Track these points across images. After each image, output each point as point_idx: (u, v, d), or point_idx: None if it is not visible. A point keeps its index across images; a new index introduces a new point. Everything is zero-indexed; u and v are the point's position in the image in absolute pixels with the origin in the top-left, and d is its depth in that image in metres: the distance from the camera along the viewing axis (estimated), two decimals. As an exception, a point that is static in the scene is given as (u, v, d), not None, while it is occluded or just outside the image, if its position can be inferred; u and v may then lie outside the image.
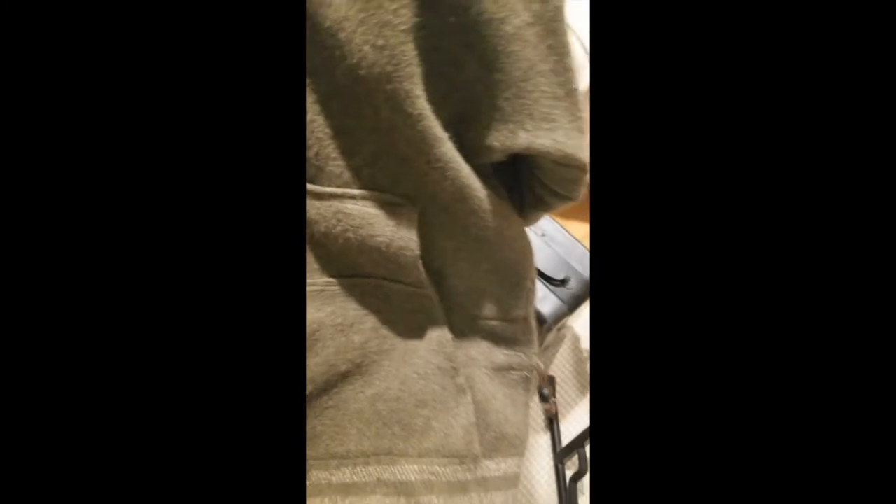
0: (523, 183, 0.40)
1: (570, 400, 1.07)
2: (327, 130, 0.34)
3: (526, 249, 0.43)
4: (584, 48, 0.77)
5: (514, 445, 0.43)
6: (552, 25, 0.31)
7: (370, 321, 0.39)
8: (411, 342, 0.40)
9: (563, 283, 0.68)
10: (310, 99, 0.33)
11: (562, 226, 0.73)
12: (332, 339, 0.38)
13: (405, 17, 0.30)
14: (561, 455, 1.03)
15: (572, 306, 0.68)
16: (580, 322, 1.13)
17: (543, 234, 0.67)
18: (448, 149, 0.34)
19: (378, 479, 0.38)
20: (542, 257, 0.70)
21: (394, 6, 0.30)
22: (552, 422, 1.07)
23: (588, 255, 0.74)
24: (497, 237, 0.39)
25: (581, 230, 0.76)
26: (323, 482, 0.38)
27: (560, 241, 0.70)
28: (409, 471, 0.38)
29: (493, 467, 0.42)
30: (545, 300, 0.66)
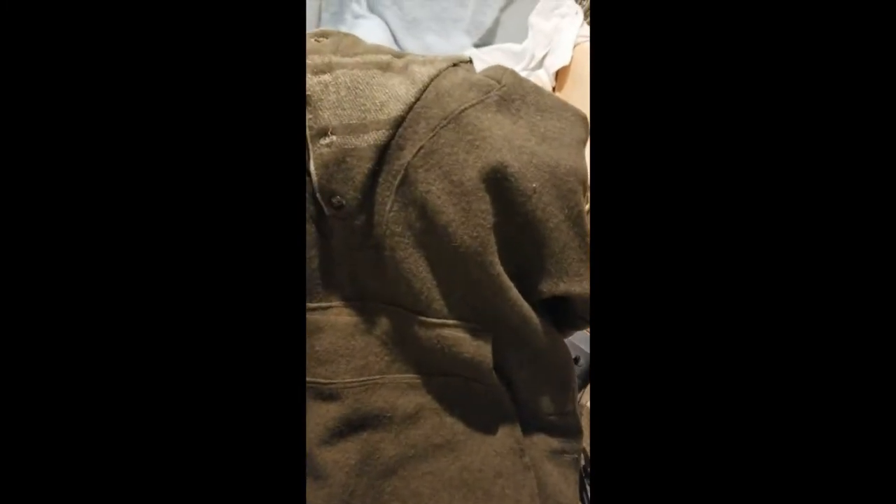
0: (564, 313, 0.57)
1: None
2: (433, 281, 0.51)
3: (568, 358, 0.59)
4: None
5: None
6: (577, 220, 0.50)
7: (459, 408, 0.54)
8: (490, 426, 0.55)
9: (575, 361, 0.85)
10: (422, 263, 0.50)
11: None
12: (430, 419, 0.53)
13: (488, 220, 0.48)
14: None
15: (585, 380, 0.85)
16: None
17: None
18: (515, 293, 0.51)
19: None
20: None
21: (482, 214, 0.47)
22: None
23: (589, 337, 0.92)
24: (548, 350, 0.56)
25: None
26: None
27: (567, 329, 0.90)
28: None
29: None
30: (560, 378, 0.83)
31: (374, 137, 0.47)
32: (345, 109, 0.47)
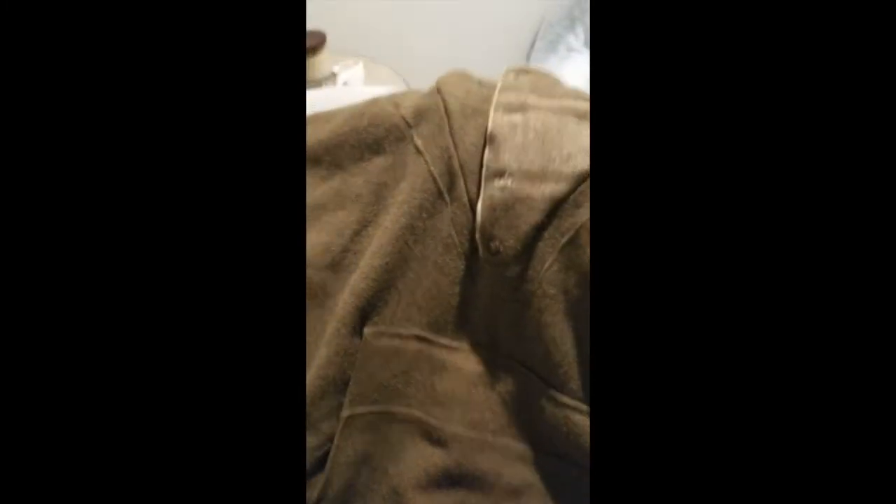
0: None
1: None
2: (577, 358, 0.45)
3: None
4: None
5: None
6: None
7: (570, 499, 0.48)
8: None
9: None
10: (568, 334, 0.45)
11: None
12: (535, 500, 0.48)
13: None
14: None
15: None
16: None
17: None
18: None
19: None
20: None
21: None
22: None
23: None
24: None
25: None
26: None
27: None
28: None
29: None
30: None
31: (551, 189, 0.44)
32: (528, 154, 0.44)
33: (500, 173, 0.45)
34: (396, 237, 0.49)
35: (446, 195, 0.48)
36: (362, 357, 0.50)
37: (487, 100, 0.48)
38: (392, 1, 1.20)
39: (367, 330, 0.50)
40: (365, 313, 0.50)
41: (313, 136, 0.54)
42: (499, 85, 0.48)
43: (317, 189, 0.53)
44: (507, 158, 0.45)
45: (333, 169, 0.53)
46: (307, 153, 0.53)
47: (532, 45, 1.20)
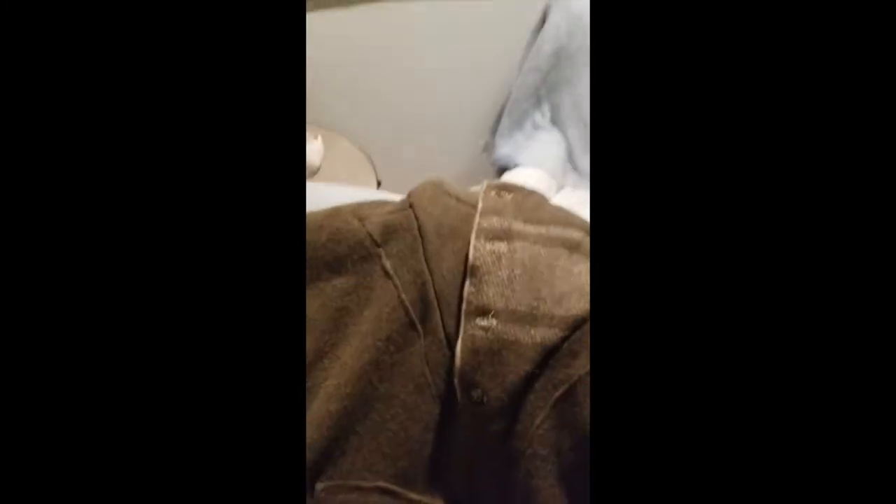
0: None
1: None
2: None
3: None
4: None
5: None
6: None
7: None
8: None
9: None
10: (563, 502, 0.39)
11: None
12: None
13: None
14: None
15: None
16: None
17: None
18: None
19: None
20: None
21: None
22: None
23: None
24: None
25: None
26: None
27: None
28: None
29: None
30: None
31: (542, 334, 0.38)
32: (515, 291, 0.39)
33: (484, 311, 0.39)
34: (358, 376, 0.41)
35: (419, 327, 0.42)
36: None
37: (466, 219, 0.43)
38: (353, 70, 1.16)
39: (319, 486, 0.42)
40: (318, 467, 0.42)
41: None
42: (479, 205, 0.43)
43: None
44: (492, 294, 0.39)
45: None
46: None
47: (499, 120, 1.18)
